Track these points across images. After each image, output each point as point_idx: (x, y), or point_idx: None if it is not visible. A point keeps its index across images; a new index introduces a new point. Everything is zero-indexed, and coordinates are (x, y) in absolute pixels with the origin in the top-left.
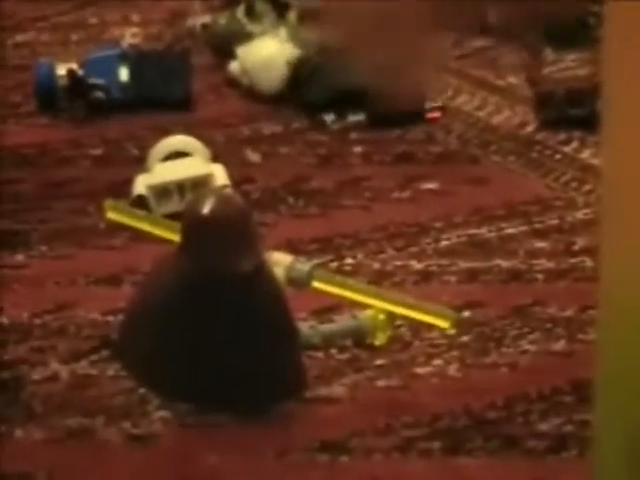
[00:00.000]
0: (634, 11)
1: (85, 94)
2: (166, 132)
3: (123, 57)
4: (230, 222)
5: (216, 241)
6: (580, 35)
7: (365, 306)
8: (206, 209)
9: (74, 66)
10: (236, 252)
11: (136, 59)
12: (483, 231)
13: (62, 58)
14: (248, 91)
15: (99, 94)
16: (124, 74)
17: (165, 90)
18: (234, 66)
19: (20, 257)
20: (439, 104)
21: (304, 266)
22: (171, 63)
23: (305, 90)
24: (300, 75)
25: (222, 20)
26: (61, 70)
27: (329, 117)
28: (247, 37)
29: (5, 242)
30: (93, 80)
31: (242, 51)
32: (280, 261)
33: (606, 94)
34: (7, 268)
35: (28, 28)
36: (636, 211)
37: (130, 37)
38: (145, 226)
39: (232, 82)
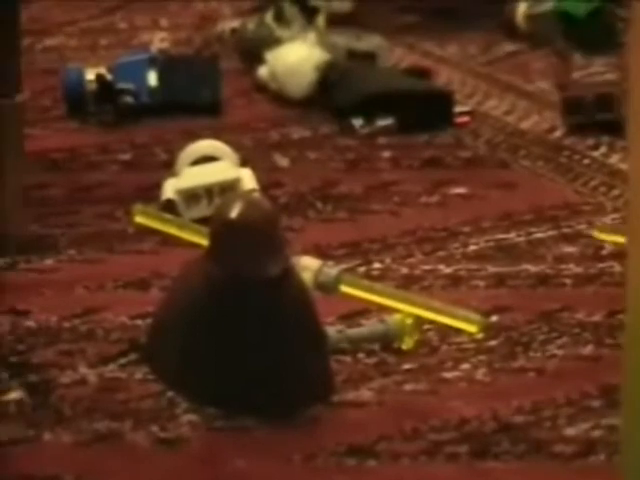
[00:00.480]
0: None
1: (114, 99)
2: (195, 136)
3: (152, 62)
4: (257, 227)
5: (243, 245)
6: (609, 40)
7: (393, 310)
8: (234, 213)
9: (103, 71)
10: (263, 256)
11: (165, 64)
12: (511, 236)
13: (91, 63)
14: (277, 96)
15: (128, 99)
16: (153, 79)
17: (194, 95)
18: (263, 71)
19: (49, 261)
20: (468, 109)
21: (332, 271)
22: (200, 68)
23: (334, 95)
24: (329, 80)
25: (251, 25)
26: (90, 75)
27: (358, 122)
28: (276, 42)
29: (34, 246)
30: (122, 85)
31: (271, 56)
32: (308, 266)
33: (633, 99)
34: (36, 272)
35: (57, 32)
36: None
37: (159, 42)
38: (173, 230)
39: (261, 87)
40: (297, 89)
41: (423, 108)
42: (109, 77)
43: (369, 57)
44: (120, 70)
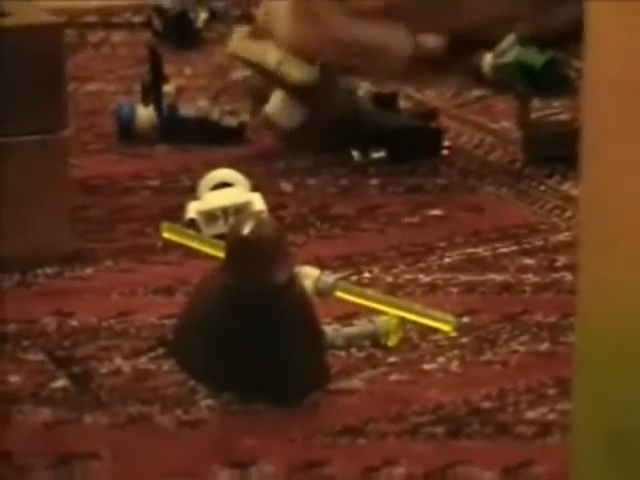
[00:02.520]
0: (608, 68)
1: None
2: (214, 166)
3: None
4: (266, 241)
5: (254, 257)
6: (562, 86)
7: (380, 312)
8: (246, 230)
9: (146, 111)
10: (271, 267)
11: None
12: (479, 250)
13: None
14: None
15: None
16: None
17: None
18: (267, 109)
19: (89, 270)
20: (448, 144)
21: (329, 279)
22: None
23: (339, 132)
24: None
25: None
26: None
27: (356, 154)
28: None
29: (77, 258)
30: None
31: (273, 98)
32: (308, 275)
33: (585, 136)
34: (79, 280)
35: (97, 79)
36: (609, 234)
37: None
38: (195, 244)
39: (267, 123)
40: (290, 125)
41: (417, 143)
42: (133, 111)
43: (393, 97)
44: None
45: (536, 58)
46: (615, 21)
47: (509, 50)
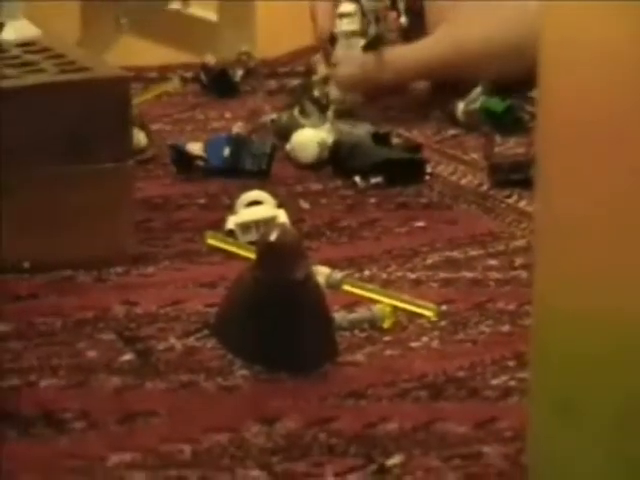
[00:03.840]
0: (557, 112)
1: (190, 163)
2: (248, 188)
3: (228, 140)
4: (288, 245)
5: (279, 258)
6: (519, 126)
7: (377, 302)
8: (272, 237)
9: (197, 146)
10: (292, 265)
11: (236, 141)
12: (454, 254)
13: (191, 140)
14: (297, 162)
15: (200, 162)
16: (227, 152)
17: (253, 163)
18: (288, 146)
19: (150, 269)
20: (429, 171)
21: (337, 275)
22: (259, 146)
23: (345, 163)
24: (339, 153)
25: (284, 117)
26: (191, 147)
27: (358, 180)
28: (300, 128)
29: (141, 260)
30: (197, 153)
31: (293, 137)
32: (321, 272)
33: (538, 164)
34: (142, 277)
35: (157, 121)
36: (558, 241)
37: (236, 128)
38: (233, 248)
39: (289, 156)
40: (304, 157)
41: (406, 170)
42: (184, 148)
43: (387, 135)
44: (209, 145)
45: (498, 105)
46: (564, 75)
47: (477, 99)
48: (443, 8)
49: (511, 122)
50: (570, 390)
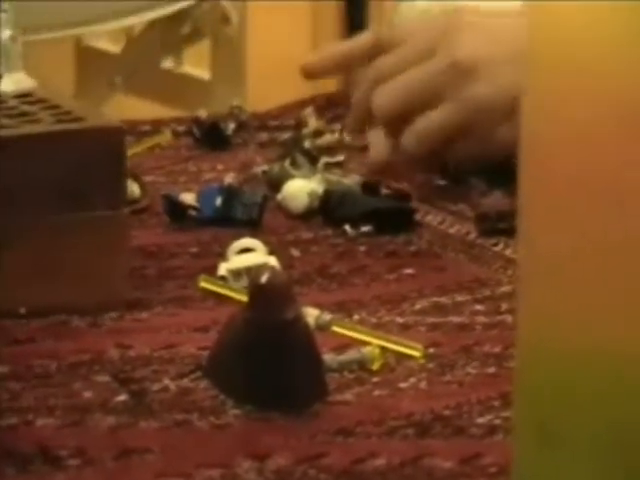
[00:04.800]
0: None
1: (183, 212)
2: (239, 236)
3: (220, 190)
4: (278, 287)
5: (269, 299)
6: (504, 180)
7: (366, 343)
8: (263, 279)
9: (190, 196)
10: (282, 306)
11: (228, 192)
12: (442, 299)
13: (182, 190)
14: (288, 212)
15: (192, 212)
16: (218, 201)
17: (244, 213)
18: (279, 196)
19: (145, 314)
20: (418, 220)
21: (327, 317)
22: (250, 196)
23: (335, 212)
24: (329, 202)
25: (275, 168)
26: (183, 197)
27: (348, 228)
28: (290, 179)
29: (135, 305)
30: (189, 202)
31: (284, 187)
32: (310, 313)
33: (522, 215)
34: (136, 321)
35: (150, 173)
36: (541, 289)
37: (228, 178)
38: (225, 291)
39: (280, 206)
40: (295, 207)
41: (395, 219)
42: (177, 198)
43: (376, 185)
44: (201, 195)
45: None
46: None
47: None
48: None
49: (505, 173)
50: (552, 423)
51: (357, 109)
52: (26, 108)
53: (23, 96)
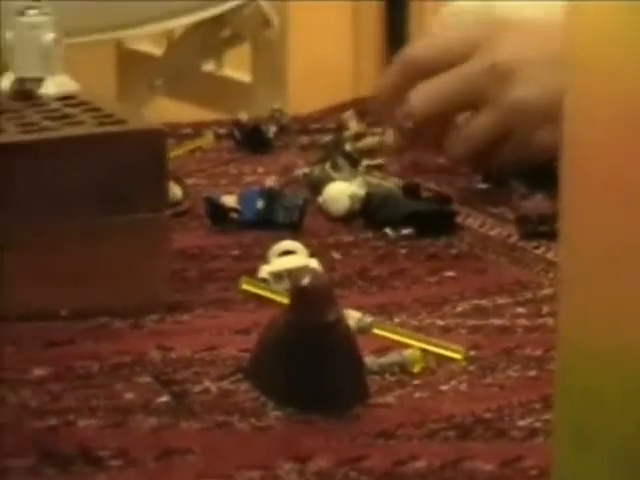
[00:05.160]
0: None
1: (224, 215)
2: (280, 239)
3: (261, 193)
4: (319, 289)
5: (311, 301)
6: (545, 182)
7: (407, 346)
8: (304, 281)
9: (231, 199)
10: (324, 308)
11: (269, 195)
12: (483, 302)
13: (224, 193)
14: (329, 214)
15: (233, 215)
16: (260, 204)
17: (285, 215)
18: (320, 199)
19: (186, 317)
20: (459, 223)
21: (367, 319)
22: (291, 199)
23: (376, 214)
24: (370, 205)
25: (316, 171)
26: (225, 199)
27: (389, 231)
28: (331, 181)
29: (176, 308)
30: (230, 205)
31: (325, 190)
32: (352, 316)
33: (563, 217)
34: (178, 324)
35: (191, 176)
36: (580, 292)
37: (269, 181)
38: (266, 293)
39: (320, 209)
40: (336, 210)
41: (436, 221)
42: (219, 201)
43: (417, 187)
44: (243, 198)
45: None
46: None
47: None
48: None
49: (549, 176)
50: (591, 426)
51: (384, 94)
52: (68, 110)
53: (65, 99)
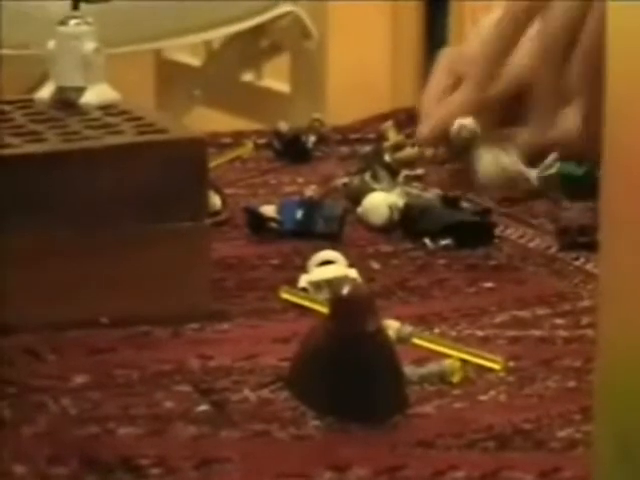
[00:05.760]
0: (622, 166)
1: (263, 225)
2: (319, 249)
3: (300, 203)
4: (360, 299)
5: (351, 311)
6: (584, 193)
7: (446, 356)
8: (345, 291)
9: (270, 209)
10: (364, 318)
11: (308, 204)
12: (522, 313)
13: (263, 203)
14: (369, 225)
15: (273, 224)
16: (299, 214)
17: (325, 226)
18: (360, 210)
19: (225, 325)
20: (498, 234)
21: (407, 329)
22: (331, 209)
23: (415, 225)
24: (409, 215)
25: (355, 181)
26: (264, 209)
27: (428, 242)
28: (371, 191)
29: (216, 317)
30: (270, 215)
31: (364, 201)
32: (391, 326)
33: (602, 229)
34: (217, 332)
35: (230, 185)
36: (621, 304)
37: (309, 191)
38: (306, 302)
39: (360, 220)
40: (376, 220)
41: (475, 232)
42: (258, 211)
43: (457, 199)
44: (282, 207)
45: (577, 170)
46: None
47: (552, 165)
48: None
49: (590, 186)
50: (631, 437)
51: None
52: (109, 120)
53: (106, 108)
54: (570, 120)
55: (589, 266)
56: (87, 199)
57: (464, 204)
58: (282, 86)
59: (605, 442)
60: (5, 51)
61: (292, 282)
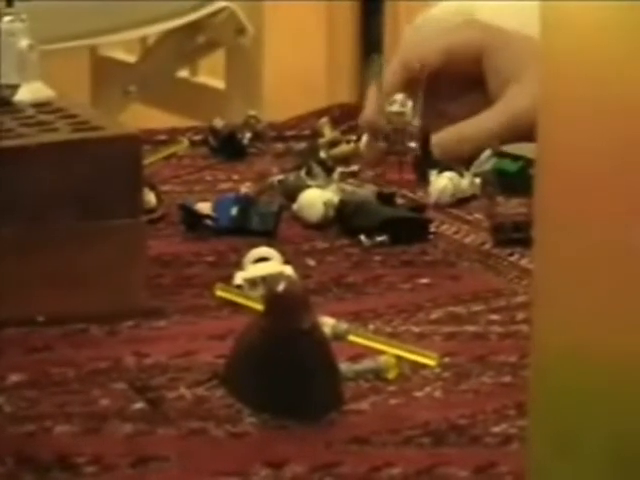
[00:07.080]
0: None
1: (199, 222)
2: (255, 246)
3: (236, 200)
4: (294, 296)
5: (286, 308)
6: (519, 189)
7: (382, 353)
8: (279, 288)
9: (206, 206)
10: (298, 315)
11: (244, 201)
12: (457, 309)
13: (199, 199)
14: (304, 221)
15: (208, 222)
16: (234, 211)
17: (260, 222)
18: (295, 206)
19: (161, 323)
20: (433, 230)
21: (343, 326)
22: (265, 206)
23: (350, 222)
24: (344, 212)
25: (291, 178)
26: (200, 206)
27: (363, 238)
28: (306, 188)
29: (152, 314)
30: (205, 212)
31: (299, 197)
32: (327, 323)
33: (537, 225)
34: (153, 330)
35: (167, 183)
36: (554, 299)
37: (244, 188)
38: (240, 300)
39: (295, 216)
40: (311, 217)
41: (411, 228)
42: (194, 208)
43: (392, 195)
44: (218, 204)
45: (511, 166)
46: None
47: (487, 161)
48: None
49: (525, 182)
50: (566, 432)
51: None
52: (44, 117)
53: (41, 105)
54: (517, 101)
55: (524, 262)
56: (21, 197)
57: (399, 200)
58: (218, 83)
59: (541, 439)
60: None
61: (228, 279)
